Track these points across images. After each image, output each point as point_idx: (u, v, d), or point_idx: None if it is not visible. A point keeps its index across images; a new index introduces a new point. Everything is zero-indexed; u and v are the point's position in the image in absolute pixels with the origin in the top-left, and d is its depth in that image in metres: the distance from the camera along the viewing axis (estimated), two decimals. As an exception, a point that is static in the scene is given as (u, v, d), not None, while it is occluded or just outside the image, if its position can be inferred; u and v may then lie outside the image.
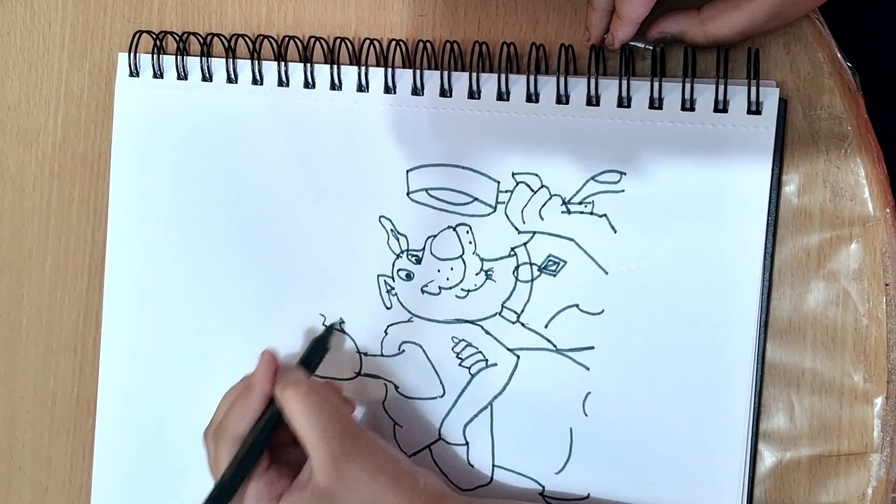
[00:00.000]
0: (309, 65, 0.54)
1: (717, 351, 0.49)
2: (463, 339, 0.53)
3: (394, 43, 0.53)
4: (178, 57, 0.56)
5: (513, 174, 0.51)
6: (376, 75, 0.53)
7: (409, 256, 0.53)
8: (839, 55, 0.49)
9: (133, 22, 0.59)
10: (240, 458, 0.48)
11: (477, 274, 0.52)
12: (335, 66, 0.54)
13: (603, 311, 0.51)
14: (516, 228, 0.51)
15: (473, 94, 0.52)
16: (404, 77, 0.53)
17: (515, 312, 0.52)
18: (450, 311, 0.53)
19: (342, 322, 0.54)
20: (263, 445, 0.48)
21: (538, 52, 0.51)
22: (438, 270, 0.53)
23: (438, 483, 0.49)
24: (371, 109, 0.53)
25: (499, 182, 0.52)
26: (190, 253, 0.57)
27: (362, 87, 0.53)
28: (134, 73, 0.57)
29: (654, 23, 0.49)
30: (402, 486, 0.46)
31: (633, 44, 0.49)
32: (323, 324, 0.55)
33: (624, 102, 0.49)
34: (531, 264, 0.51)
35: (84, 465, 0.61)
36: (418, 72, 0.52)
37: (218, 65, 0.56)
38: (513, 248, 0.52)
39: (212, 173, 0.56)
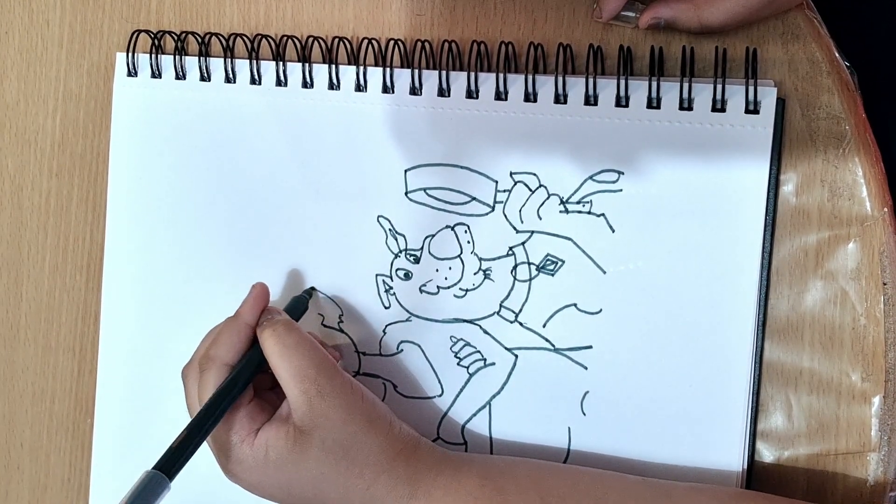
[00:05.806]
0: (307, 64, 0.54)
1: (715, 350, 0.49)
2: (461, 339, 0.53)
3: (392, 42, 0.53)
4: (177, 56, 0.56)
5: (511, 174, 0.51)
6: (374, 75, 0.53)
7: (408, 256, 0.53)
8: (837, 54, 0.49)
9: (131, 21, 0.59)
10: (226, 385, 0.48)
11: (475, 273, 0.52)
12: (333, 66, 0.54)
13: (601, 310, 0.51)
14: (514, 228, 0.51)
15: (471, 93, 0.52)
16: (402, 77, 0.53)
17: (514, 312, 0.52)
18: (448, 311, 0.53)
19: (313, 289, 0.55)
20: (251, 376, 0.48)
21: (536, 51, 0.51)
22: (437, 270, 0.53)
23: (413, 432, 0.49)
24: (369, 109, 0.53)
25: (497, 181, 0.52)
26: (188, 252, 0.57)
27: (360, 87, 0.53)
28: (132, 72, 0.57)
29: (647, 8, 0.49)
30: (376, 428, 0.47)
31: (623, 13, 0.49)
32: (318, 311, 0.55)
33: (622, 102, 0.49)
34: (529, 264, 0.51)
35: (83, 464, 0.61)
36: (416, 71, 0.52)
37: (216, 64, 0.56)
38: (511, 248, 0.52)
39: (210, 173, 0.56)
